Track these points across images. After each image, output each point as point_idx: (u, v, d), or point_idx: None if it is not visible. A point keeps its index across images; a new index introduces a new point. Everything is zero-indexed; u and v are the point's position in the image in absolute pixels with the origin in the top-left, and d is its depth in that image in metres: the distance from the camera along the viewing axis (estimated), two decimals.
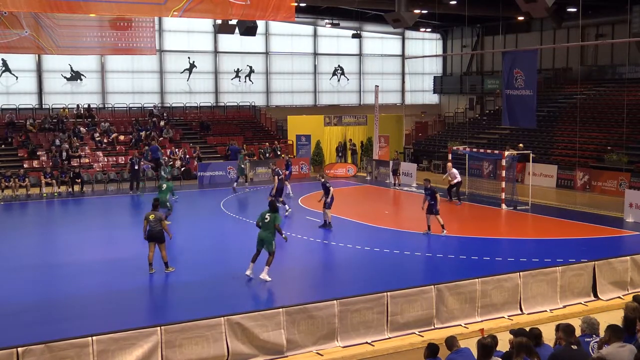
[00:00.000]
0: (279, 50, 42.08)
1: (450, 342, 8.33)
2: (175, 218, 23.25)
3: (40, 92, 36.26)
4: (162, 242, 15.06)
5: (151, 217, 15.09)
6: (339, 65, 44.26)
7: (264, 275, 14.29)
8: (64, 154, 30.99)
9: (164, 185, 21.02)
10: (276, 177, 22.54)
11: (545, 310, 12.78)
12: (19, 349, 9.10)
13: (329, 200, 19.85)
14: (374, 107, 35.13)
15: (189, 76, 39.63)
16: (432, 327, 11.79)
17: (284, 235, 14.65)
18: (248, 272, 14.50)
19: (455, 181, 24.29)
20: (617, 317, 8.34)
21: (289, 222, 21.53)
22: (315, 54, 43.47)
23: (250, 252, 14.76)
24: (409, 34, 45.91)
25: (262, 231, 14.41)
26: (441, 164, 34.12)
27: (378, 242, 18.16)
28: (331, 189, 19.94)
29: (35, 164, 30.44)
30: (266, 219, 14.37)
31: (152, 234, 15.04)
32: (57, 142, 31.62)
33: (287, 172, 26.41)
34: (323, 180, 20.59)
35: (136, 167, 28.51)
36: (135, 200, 27.11)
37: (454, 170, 24.42)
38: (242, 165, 29.75)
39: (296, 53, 42.74)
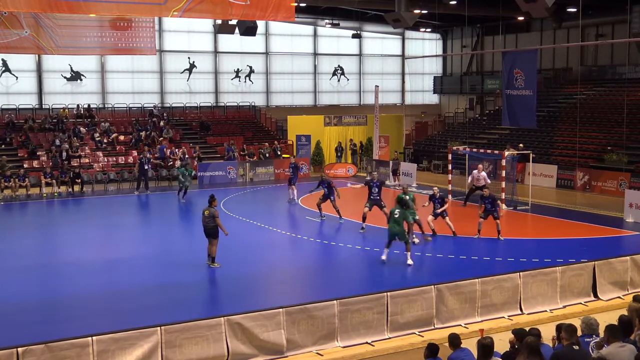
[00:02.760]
0: (279, 50, 42.07)
1: (454, 339, 8.34)
2: (174, 218, 23.28)
3: (40, 92, 36.25)
4: (215, 238, 15.31)
5: (206, 212, 15.37)
6: (339, 65, 44.25)
7: (409, 261, 15.50)
8: (64, 154, 30.99)
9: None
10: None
11: (545, 311, 12.79)
12: (19, 349, 9.10)
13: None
14: (374, 107, 35.11)
15: (189, 76, 39.63)
16: (432, 327, 11.80)
17: (417, 217, 16.80)
18: (384, 257, 15.69)
19: (481, 184, 23.96)
20: (617, 318, 8.33)
21: (290, 222, 21.54)
22: (315, 54, 43.46)
23: (250, 251, 14.82)
24: (409, 34, 45.89)
25: (392, 225, 15.44)
26: (441, 164, 34.12)
27: (378, 242, 18.15)
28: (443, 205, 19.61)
29: (35, 164, 30.44)
30: (395, 215, 15.42)
31: (206, 230, 15.39)
32: (57, 142, 31.62)
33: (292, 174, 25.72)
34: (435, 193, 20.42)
35: (145, 167, 28.48)
36: (136, 200, 27.11)
37: (484, 174, 23.88)
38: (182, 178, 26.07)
39: (296, 53, 42.73)
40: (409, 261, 15.56)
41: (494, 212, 18.52)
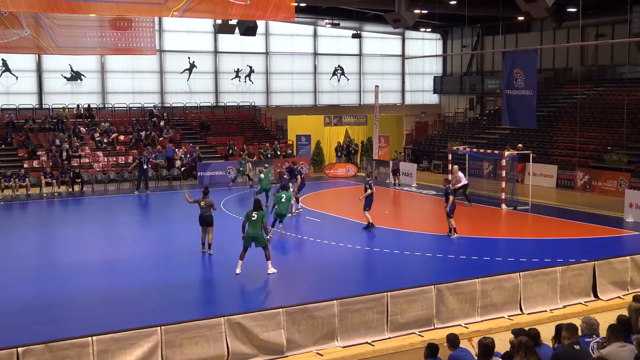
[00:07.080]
0: (279, 50, 42.07)
1: (453, 339, 8.34)
2: (175, 218, 23.26)
3: (40, 92, 36.25)
4: (211, 225, 16.68)
5: (202, 203, 16.65)
6: (339, 65, 44.25)
7: (270, 270, 14.83)
8: (64, 154, 30.98)
9: (283, 196, 18.71)
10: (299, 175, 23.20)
11: (545, 310, 12.78)
12: (19, 349, 9.09)
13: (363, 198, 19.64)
14: (374, 107, 35.12)
15: (189, 76, 39.63)
16: (432, 327, 11.79)
17: (269, 236, 15.10)
18: (238, 271, 14.79)
19: (461, 184, 24.03)
20: (617, 318, 8.32)
21: (290, 222, 21.52)
22: (315, 54, 43.46)
23: (250, 251, 14.79)
24: (409, 34, 45.91)
25: (251, 229, 14.76)
26: (441, 164, 34.12)
27: (378, 242, 18.16)
28: (369, 190, 19.59)
29: (35, 164, 30.44)
30: (253, 217, 14.78)
31: (203, 219, 16.65)
32: (57, 142, 31.61)
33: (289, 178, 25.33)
34: (369, 179, 20.50)
35: (145, 167, 28.45)
36: (136, 200, 27.11)
37: (460, 174, 24.14)
38: (241, 168, 30.30)
39: (296, 53, 42.74)
40: (270, 269, 14.83)
41: (445, 207, 18.44)
